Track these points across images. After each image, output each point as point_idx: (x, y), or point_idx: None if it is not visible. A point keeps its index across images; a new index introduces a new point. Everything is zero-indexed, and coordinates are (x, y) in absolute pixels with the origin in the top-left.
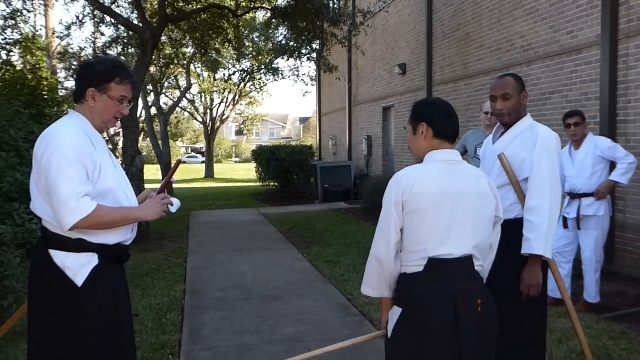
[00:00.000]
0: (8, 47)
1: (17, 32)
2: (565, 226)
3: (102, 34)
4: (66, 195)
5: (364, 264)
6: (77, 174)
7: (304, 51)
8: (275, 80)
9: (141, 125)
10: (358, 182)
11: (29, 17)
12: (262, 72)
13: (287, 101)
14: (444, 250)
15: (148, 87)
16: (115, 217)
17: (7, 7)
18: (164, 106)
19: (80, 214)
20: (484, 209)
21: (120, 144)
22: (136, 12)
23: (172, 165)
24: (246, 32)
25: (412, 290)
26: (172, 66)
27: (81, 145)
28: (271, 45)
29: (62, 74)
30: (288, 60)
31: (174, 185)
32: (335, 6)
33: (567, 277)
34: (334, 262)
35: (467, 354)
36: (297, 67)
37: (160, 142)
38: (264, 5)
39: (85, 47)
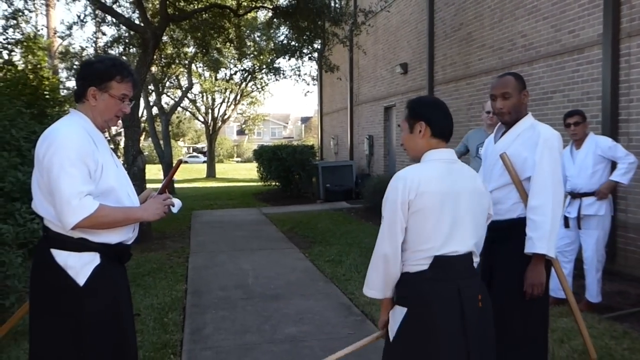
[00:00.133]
0: (10, 46)
1: (18, 32)
2: (566, 225)
3: (104, 34)
4: (68, 195)
5: (366, 264)
6: (79, 173)
7: (305, 51)
8: (277, 79)
9: (143, 124)
10: (359, 182)
11: (31, 17)
12: (263, 71)
13: (289, 101)
14: (450, 248)
15: (149, 87)
16: (117, 217)
17: (9, 6)
18: (165, 106)
19: (83, 213)
20: (481, 207)
21: (122, 144)
22: (137, 11)
23: (173, 165)
24: (247, 31)
25: (416, 288)
26: (173, 66)
27: (83, 144)
28: (272, 44)
29: (63, 74)
30: (289, 59)
31: (175, 185)
32: (337, 5)
33: (568, 277)
34: (336, 262)
35: (474, 349)
36: (299, 67)
37: (161, 142)
38: (265, 5)
39: (86, 46)
